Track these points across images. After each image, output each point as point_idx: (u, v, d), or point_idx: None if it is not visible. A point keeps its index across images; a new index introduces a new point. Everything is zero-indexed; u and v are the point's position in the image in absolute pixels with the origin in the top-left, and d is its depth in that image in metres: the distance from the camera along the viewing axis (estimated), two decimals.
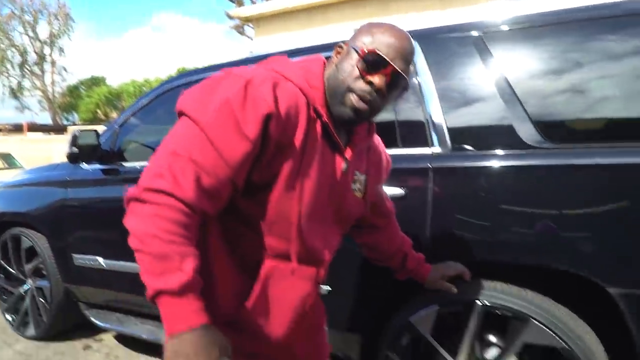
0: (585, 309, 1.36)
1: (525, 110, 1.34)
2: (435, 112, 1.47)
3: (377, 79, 0.87)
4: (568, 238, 1.25)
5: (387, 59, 0.87)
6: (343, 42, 0.94)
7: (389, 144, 1.52)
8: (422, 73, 1.52)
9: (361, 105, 0.89)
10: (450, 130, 1.44)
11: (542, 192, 1.28)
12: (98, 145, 2.35)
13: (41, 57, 26.83)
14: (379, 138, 1.16)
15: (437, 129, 1.46)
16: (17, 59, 26.40)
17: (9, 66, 26.17)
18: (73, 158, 2.31)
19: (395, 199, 1.42)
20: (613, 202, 1.21)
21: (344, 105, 0.90)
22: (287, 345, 1.01)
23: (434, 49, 1.52)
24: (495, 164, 1.36)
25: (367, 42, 0.88)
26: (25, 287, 2.75)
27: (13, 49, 26.09)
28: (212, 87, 0.84)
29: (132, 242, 0.77)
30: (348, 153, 0.97)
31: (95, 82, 33.37)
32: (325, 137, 0.92)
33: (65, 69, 27.86)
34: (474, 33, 1.46)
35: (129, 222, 0.79)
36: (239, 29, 12.12)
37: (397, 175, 1.43)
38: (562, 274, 1.27)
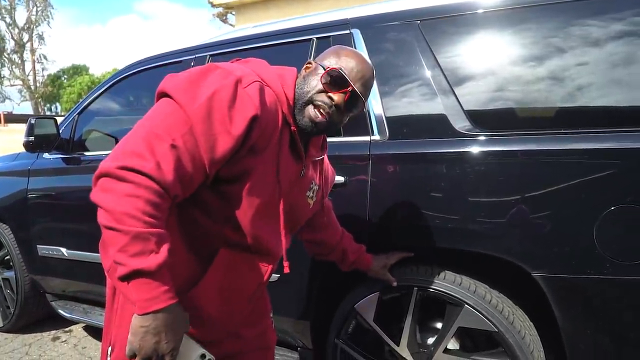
0: (519, 294, 1.41)
1: (457, 100, 1.37)
2: (376, 105, 1.49)
3: (337, 96, 0.95)
4: (495, 224, 1.28)
5: (349, 79, 0.95)
6: (313, 59, 1.02)
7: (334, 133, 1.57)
8: None
9: (319, 118, 0.96)
10: (388, 119, 1.47)
11: (473, 178, 1.31)
12: (57, 134, 2.33)
13: (20, 45, 26.13)
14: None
15: (377, 118, 1.49)
16: None
17: None
18: (30, 147, 2.29)
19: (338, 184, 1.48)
20: (537, 188, 1.24)
21: (303, 116, 0.97)
22: (232, 330, 1.06)
23: (375, 37, 1.53)
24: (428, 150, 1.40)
25: (333, 62, 0.97)
26: None
27: None
28: (201, 76, 0.85)
29: (104, 219, 0.77)
30: (308, 160, 1.04)
31: (77, 70, 32.73)
32: (292, 143, 0.98)
33: (45, 57, 27.17)
34: (412, 21, 1.47)
35: (101, 197, 0.78)
36: (222, 17, 11.92)
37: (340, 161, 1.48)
38: (493, 259, 1.31)
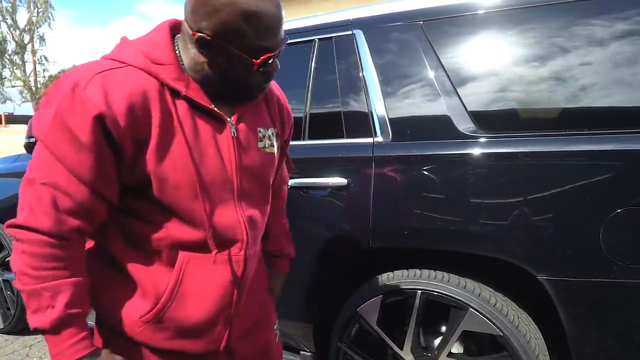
0: (525, 297, 1.40)
1: (461, 101, 1.35)
2: (379, 104, 1.48)
3: (272, 67, 0.84)
4: (500, 226, 1.26)
5: (276, 50, 0.81)
6: (202, 30, 0.78)
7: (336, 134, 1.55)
8: (366, 63, 1.52)
9: (263, 92, 0.90)
10: (391, 121, 1.45)
11: (478, 180, 1.30)
12: None
13: (21, 46, 26.19)
14: (277, 86, 1.06)
15: (380, 119, 1.47)
16: None
17: None
18: (31, 148, 2.29)
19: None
20: (542, 190, 1.23)
21: (245, 97, 0.88)
22: (223, 343, 0.92)
23: (378, 38, 1.52)
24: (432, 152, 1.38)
25: (251, 37, 0.78)
26: None
27: None
28: (50, 97, 0.77)
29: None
30: (235, 115, 0.88)
31: None
32: (196, 110, 0.83)
33: (46, 59, 27.21)
34: (415, 21, 1.46)
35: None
36: None
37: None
38: (497, 262, 1.29)
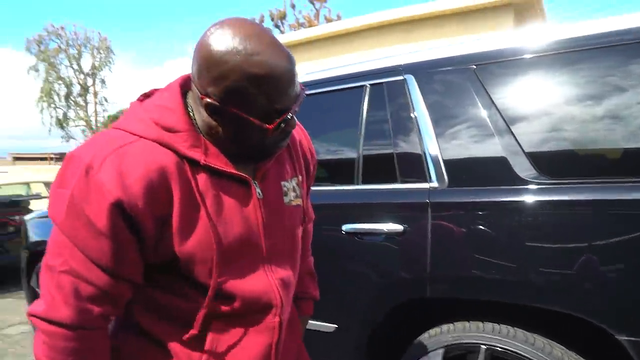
0: (599, 355, 1.29)
1: (520, 147, 1.31)
2: (432, 147, 1.46)
3: (288, 126, 0.78)
4: (570, 279, 1.19)
5: (290, 109, 0.76)
6: (209, 95, 0.73)
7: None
8: (418, 107, 1.52)
9: (282, 148, 0.84)
10: (447, 165, 1.43)
11: (546, 229, 1.23)
12: None
13: (85, 89, 28.38)
14: (299, 127, 1.01)
15: (435, 164, 1.45)
16: (63, 90, 28.01)
17: (55, 98, 27.77)
18: None
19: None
20: (618, 240, 1.15)
21: (264, 156, 0.84)
22: None
23: (429, 82, 1.52)
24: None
25: (262, 101, 0.72)
26: None
27: (59, 82, 27.75)
28: (61, 180, 0.74)
29: None
30: (259, 174, 0.84)
31: None
32: (218, 176, 0.79)
33: (106, 100, 29.22)
34: (468, 65, 1.45)
35: None
36: None
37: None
38: (567, 317, 1.21)
